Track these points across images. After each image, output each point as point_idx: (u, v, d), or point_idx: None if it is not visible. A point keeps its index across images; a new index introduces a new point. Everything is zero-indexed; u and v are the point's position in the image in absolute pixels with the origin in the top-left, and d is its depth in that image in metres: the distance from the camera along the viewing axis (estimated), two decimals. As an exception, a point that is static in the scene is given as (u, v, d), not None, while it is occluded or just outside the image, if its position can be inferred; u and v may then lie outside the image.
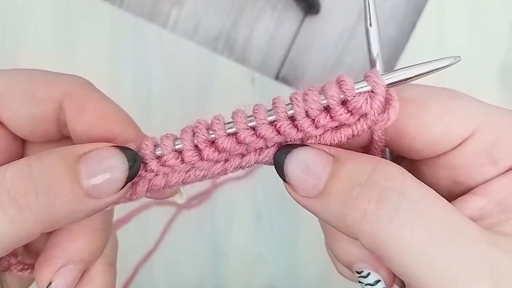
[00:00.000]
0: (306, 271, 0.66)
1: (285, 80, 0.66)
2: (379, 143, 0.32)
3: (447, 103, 0.31)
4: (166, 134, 0.32)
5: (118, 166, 0.30)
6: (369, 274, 0.33)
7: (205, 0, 0.65)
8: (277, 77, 0.66)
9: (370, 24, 0.31)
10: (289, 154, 0.31)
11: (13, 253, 0.35)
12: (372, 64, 0.32)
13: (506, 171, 0.32)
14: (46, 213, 0.29)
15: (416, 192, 0.28)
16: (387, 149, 0.34)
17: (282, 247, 0.66)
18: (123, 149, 0.31)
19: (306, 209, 0.31)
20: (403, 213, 0.27)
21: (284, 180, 0.31)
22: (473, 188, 0.32)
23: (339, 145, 0.31)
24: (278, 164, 0.31)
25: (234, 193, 0.66)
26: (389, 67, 0.65)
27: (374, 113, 0.30)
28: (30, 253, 0.37)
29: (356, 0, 0.65)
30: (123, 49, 0.65)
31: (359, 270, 0.34)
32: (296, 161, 0.30)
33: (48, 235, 0.36)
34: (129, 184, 0.31)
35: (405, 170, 0.29)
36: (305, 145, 0.31)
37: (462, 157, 0.32)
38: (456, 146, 0.32)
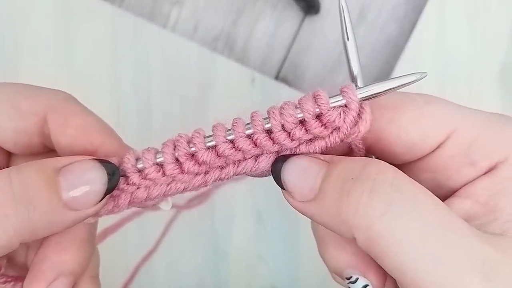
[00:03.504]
0: (307, 271, 0.66)
1: (285, 80, 0.66)
2: (357, 152, 0.34)
3: (422, 107, 0.32)
4: (148, 147, 0.33)
5: (97, 178, 0.31)
6: (357, 279, 0.34)
7: (205, 0, 0.65)
8: (277, 77, 0.66)
9: (348, 38, 0.33)
10: (286, 162, 0.32)
11: None
12: (353, 79, 0.33)
13: (485, 172, 0.32)
14: (25, 224, 0.29)
15: (408, 185, 0.29)
16: (372, 156, 0.36)
17: (283, 247, 0.66)
18: (103, 162, 0.31)
19: (305, 214, 0.32)
20: (397, 205, 0.27)
21: (282, 187, 0.32)
22: (456, 191, 0.33)
23: (323, 153, 0.33)
24: (276, 172, 0.32)
25: (235, 194, 0.66)
26: (389, 67, 0.66)
27: (347, 126, 0.31)
28: (13, 265, 0.38)
29: (356, 0, 0.65)
30: (123, 49, 0.65)
31: (348, 276, 0.34)
32: (292, 168, 0.32)
33: (29, 247, 0.37)
34: (107, 196, 0.31)
35: (395, 167, 0.30)
36: (300, 154, 0.32)
37: (440, 159, 0.33)
38: (434, 149, 0.32)
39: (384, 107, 0.32)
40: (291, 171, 0.32)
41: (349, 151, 0.34)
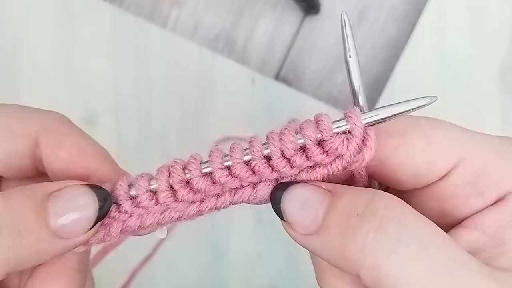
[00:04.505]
0: (306, 271, 0.66)
1: (285, 80, 0.66)
2: (359, 178, 0.32)
3: (429, 133, 0.31)
4: (142, 173, 0.32)
5: (87, 205, 0.29)
6: None
7: (205, 0, 0.65)
8: (277, 77, 0.66)
9: (350, 56, 0.31)
10: (286, 191, 0.30)
11: None
12: (354, 97, 0.31)
13: (494, 202, 0.31)
14: (11, 254, 0.28)
15: (416, 222, 0.28)
16: (375, 181, 0.34)
17: (282, 247, 0.66)
18: (94, 187, 0.30)
19: (306, 248, 0.31)
20: (404, 244, 0.26)
21: (282, 218, 0.31)
22: (462, 220, 0.32)
23: (325, 180, 0.31)
24: (275, 202, 0.31)
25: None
26: (389, 67, 0.65)
27: (350, 154, 0.29)
28: None
29: (357, 0, 0.65)
30: (123, 49, 0.65)
31: None
32: (293, 198, 0.30)
33: (22, 273, 0.35)
34: (98, 224, 0.30)
35: (402, 200, 0.29)
36: (301, 182, 0.31)
37: (447, 188, 0.31)
38: (441, 178, 0.31)
39: (388, 133, 0.31)
40: (292, 202, 0.30)
41: (350, 177, 0.33)
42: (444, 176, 0.31)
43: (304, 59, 0.66)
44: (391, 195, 0.29)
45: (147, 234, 0.34)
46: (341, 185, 0.31)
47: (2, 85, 0.64)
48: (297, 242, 0.31)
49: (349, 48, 0.31)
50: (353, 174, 0.32)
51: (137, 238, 0.64)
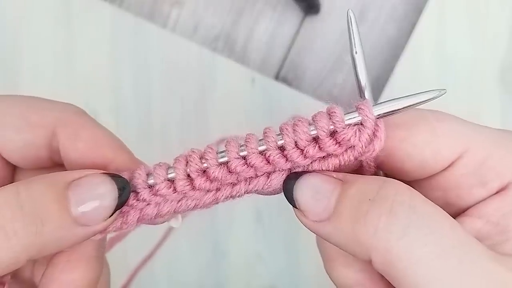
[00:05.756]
0: (306, 271, 0.66)
1: (285, 80, 0.66)
2: (368, 169, 0.33)
3: (435, 125, 0.32)
4: (159, 163, 0.33)
5: (107, 193, 0.30)
6: None
7: (205, 0, 0.65)
8: (277, 77, 0.66)
9: (356, 52, 0.32)
10: (298, 180, 0.31)
11: (1, 282, 0.35)
12: (361, 91, 0.32)
13: (497, 192, 0.32)
14: (33, 241, 0.28)
15: (425, 208, 0.28)
16: (381, 172, 0.35)
17: (282, 246, 0.66)
18: (113, 176, 0.31)
19: (318, 234, 0.32)
20: (415, 228, 0.27)
21: (294, 206, 0.32)
22: (466, 210, 0.33)
23: (336, 171, 0.32)
24: (288, 191, 0.32)
25: (234, 193, 0.66)
26: (389, 67, 0.66)
27: (362, 145, 0.31)
28: (18, 281, 0.37)
29: (357, 0, 0.65)
30: (123, 49, 0.65)
31: None
32: (305, 186, 0.31)
33: (36, 263, 0.36)
34: (117, 211, 0.31)
35: (411, 187, 0.30)
36: (313, 171, 0.32)
37: (452, 178, 0.32)
38: (446, 168, 0.32)
39: (396, 125, 0.32)
40: (304, 190, 0.31)
41: (359, 168, 0.34)
42: (449, 166, 0.32)
43: (304, 59, 0.66)
44: (401, 182, 0.30)
45: (162, 223, 0.35)
46: (352, 174, 0.32)
47: (2, 85, 0.64)
48: (309, 229, 0.32)
49: (355, 44, 0.32)
50: (361, 165, 0.33)
51: (137, 238, 0.64)
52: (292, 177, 0.32)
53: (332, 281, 0.36)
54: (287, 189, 0.32)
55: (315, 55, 0.66)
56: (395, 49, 0.66)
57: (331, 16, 0.65)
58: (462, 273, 0.27)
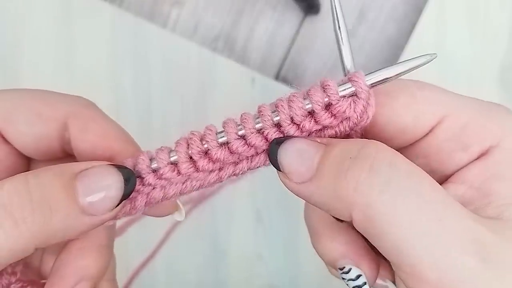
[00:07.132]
0: (306, 271, 0.66)
1: (285, 80, 0.66)
2: (355, 137, 0.34)
3: (415, 92, 0.32)
4: (161, 147, 0.33)
5: (113, 184, 0.30)
6: (350, 269, 0.34)
7: (205, 0, 0.65)
8: (277, 77, 0.66)
9: (339, 27, 0.32)
10: (283, 144, 0.32)
11: (13, 272, 0.36)
12: (344, 67, 0.32)
13: (478, 157, 0.32)
14: (42, 228, 0.29)
15: (405, 165, 0.29)
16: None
17: (282, 246, 0.66)
18: (119, 167, 0.31)
19: (300, 196, 0.32)
20: (395, 183, 0.28)
21: (278, 169, 0.32)
22: (449, 177, 0.33)
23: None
24: (272, 154, 0.32)
25: (235, 193, 0.66)
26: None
27: (357, 116, 0.31)
28: (27, 270, 0.38)
29: (357, 0, 0.66)
30: (123, 49, 0.65)
31: (341, 267, 0.35)
32: (289, 149, 0.31)
33: (45, 251, 0.37)
34: (123, 202, 0.31)
35: (392, 148, 0.30)
36: (297, 137, 0.32)
37: (433, 144, 0.33)
38: (427, 134, 0.33)
39: (377, 92, 0.32)
40: (288, 152, 0.31)
41: (346, 136, 0.34)
42: (430, 132, 0.33)
43: (304, 59, 0.66)
44: (382, 143, 0.30)
45: (167, 215, 0.36)
46: (335, 138, 0.32)
47: (2, 84, 0.64)
48: (292, 192, 0.32)
49: (338, 19, 0.32)
50: (348, 134, 0.34)
51: (138, 238, 0.64)
52: (278, 142, 0.32)
53: (319, 255, 0.36)
54: (272, 151, 0.32)
55: (315, 54, 0.66)
56: (395, 49, 0.66)
57: (331, 16, 0.65)
58: (443, 229, 0.27)
